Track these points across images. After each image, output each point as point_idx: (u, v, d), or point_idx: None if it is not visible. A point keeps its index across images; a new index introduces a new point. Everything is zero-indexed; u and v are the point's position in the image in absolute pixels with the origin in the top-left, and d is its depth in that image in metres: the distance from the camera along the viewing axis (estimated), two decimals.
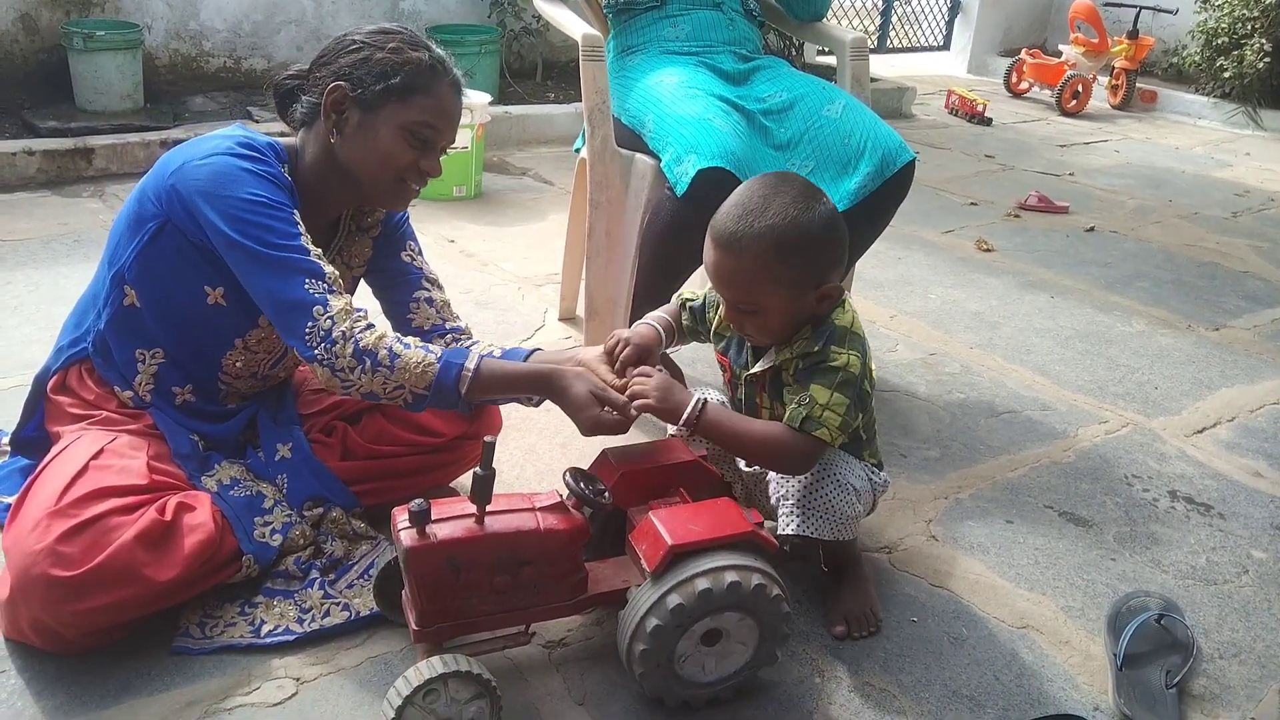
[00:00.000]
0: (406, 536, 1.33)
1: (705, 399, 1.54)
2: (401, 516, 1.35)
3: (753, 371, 1.62)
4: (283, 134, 1.65)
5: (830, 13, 3.28)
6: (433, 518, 1.34)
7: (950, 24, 7.73)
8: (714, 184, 1.95)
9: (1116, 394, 2.61)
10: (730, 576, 1.35)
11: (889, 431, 2.31)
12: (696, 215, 2.00)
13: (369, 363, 1.45)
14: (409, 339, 1.51)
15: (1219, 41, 6.40)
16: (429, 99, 1.54)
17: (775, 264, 1.46)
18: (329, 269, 1.49)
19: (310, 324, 1.44)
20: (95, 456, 1.45)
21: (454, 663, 1.29)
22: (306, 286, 1.45)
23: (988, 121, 5.89)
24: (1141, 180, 4.92)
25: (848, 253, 1.55)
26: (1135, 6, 6.51)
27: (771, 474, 1.63)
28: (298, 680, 1.45)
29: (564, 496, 1.45)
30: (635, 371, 1.56)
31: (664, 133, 2.11)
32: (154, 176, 1.52)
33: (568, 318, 2.77)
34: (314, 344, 1.44)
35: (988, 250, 3.68)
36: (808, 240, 1.46)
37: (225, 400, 1.68)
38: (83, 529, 1.34)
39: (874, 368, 1.63)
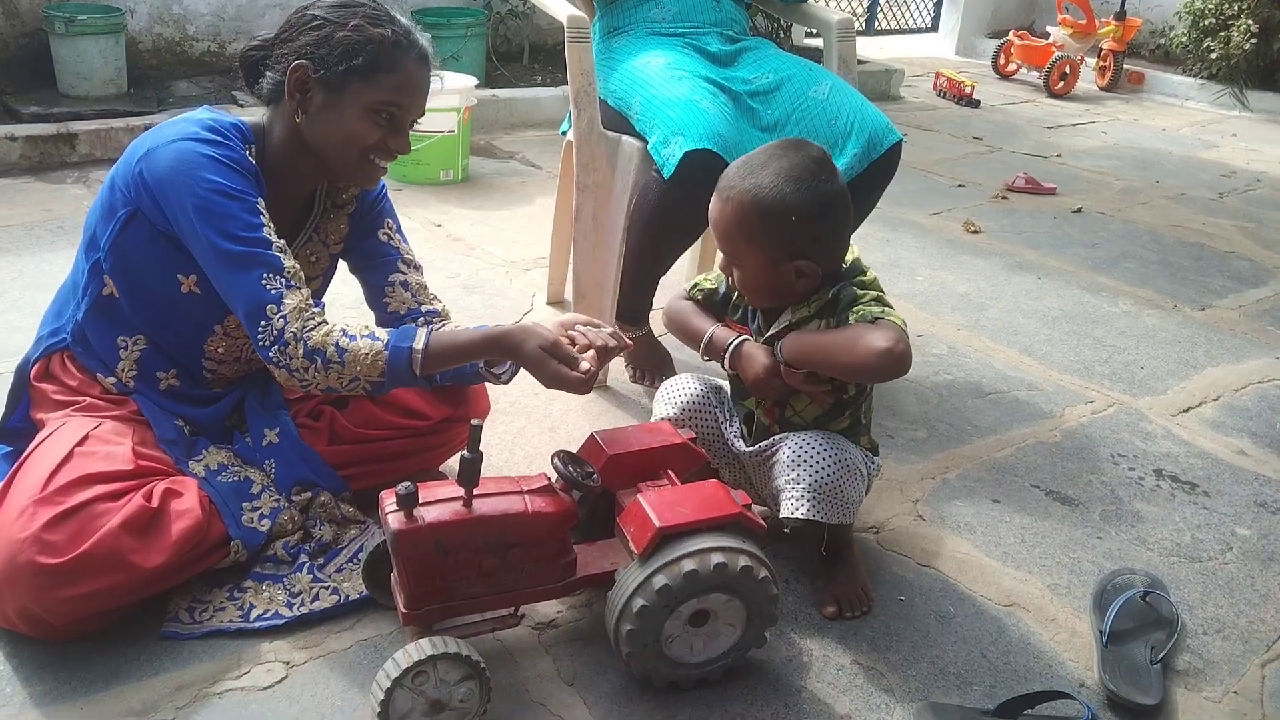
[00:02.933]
0: (394, 520, 1.33)
1: (743, 339, 1.63)
2: (389, 500, 1.35)
3: (770, 334, 1.62)
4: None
5: None
6: (420, 501, 1.34)
7: (938, 6, 7.72)
8: (701, 166, 1.94)
9: (1103, 374, 2.63)
10: (717, 558, 1.36)
11: (876, 413, 2.31)
12: (684, 197, 2.01)
13: (319, 361, 1.44)
14: (356, 328, 1.48)
15: (1206, 23, 6.40)
16: (394, 77, 1.50)
17: (751, 224, 1.51)
18: (289, 263, 1.47)
19: (264, 323, 1.43)
20: (80, 443, 1.44)
21: (443, 645, 1.29)
22: (264, 283, 1.43)
23: (975, 103, 5.89)
24: (1129, 161, 4.93)
25: (841, 240, 1.57)
26: None
27: (781, 456, 1.61)
28: (287, 664, 1.45)
29: (552, 479, 1.45)
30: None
31: (651, 115, 2.10)
32: (122, 164, 1.50)
33: (556, 301, 2.77)
34: (268, 345, 1.44)
35: (975, 232, 3.69)
36: (785, 211, 1.48)
37: (211, 385, 1.68)
38: (68, 516, 1.34)
39: None
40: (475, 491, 1.37)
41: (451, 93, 3.64)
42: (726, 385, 1.80)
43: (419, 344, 1.48)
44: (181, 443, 1.58)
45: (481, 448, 1.35)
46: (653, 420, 1.74)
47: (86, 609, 1.36)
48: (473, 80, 3.84)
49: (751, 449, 1.70)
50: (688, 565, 1.35)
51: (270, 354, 1.44)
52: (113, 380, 1.59)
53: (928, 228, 3.71)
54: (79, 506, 1.35)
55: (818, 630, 1.62)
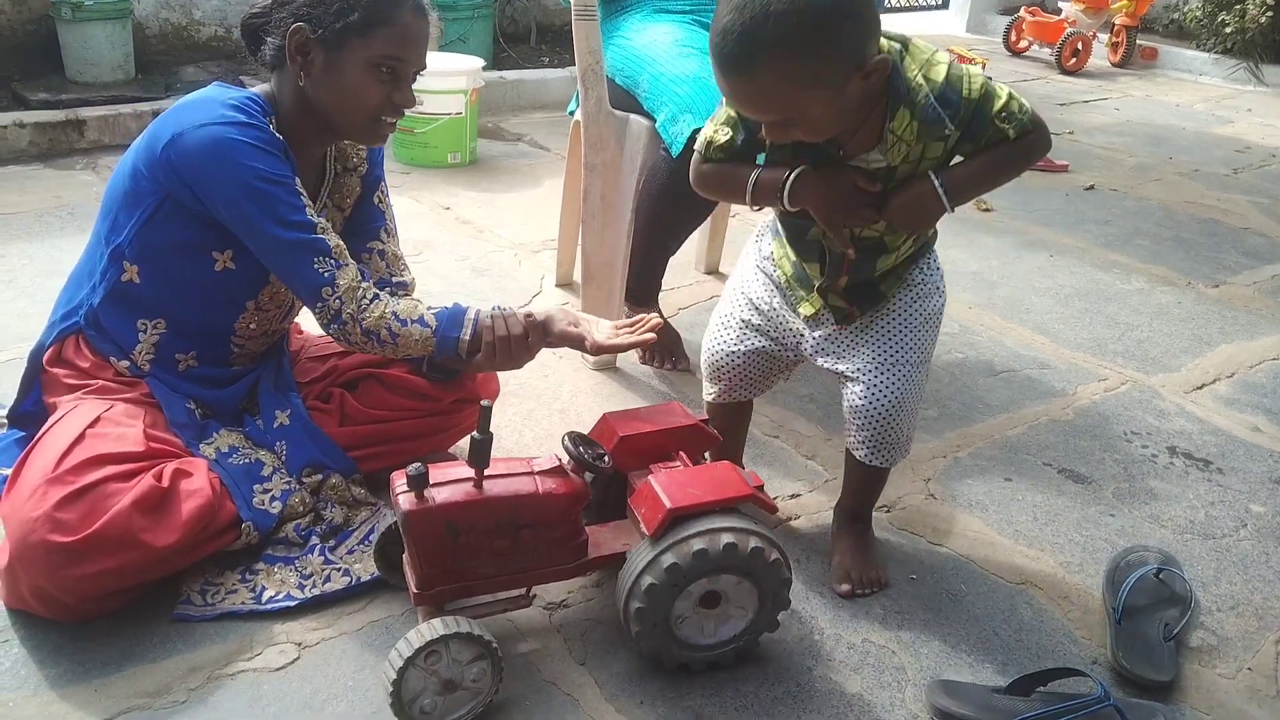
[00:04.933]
0: (405, 500, 1.33)
1: (935, 177, 1.41)
2: (400, 481, 1.35)
3: (872, 168, 1.42)
4: None
5: None
6: (431, 482, 1.34)
7: None
8: None
9: (1116, 351, 2.61)
10: (726, 538, 1.36)
11: None
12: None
13: (375, 341, 1.54)
14: (406, 310, 1.56)
15: None
16: (391, 29, 1.49)
17: (800, 68, 1.23)
18: (334, 241, 1.51)
19: (321, 305, 1.51)
20: (92, 425, 1.45)
21: (455, 624, 1.29)
22: (316, 266, 1.49)
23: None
24: (1141, 138, 4.88)
25: (875, 24, 1.31)
26: None
27: (851, 400, 1.58)
28: (300, 645, 1.46)
29: (563, 461, 1.45)
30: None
31: (658, 92, 2.09)
32: (144, 150, 1.50)
33: (565, 283, 2.76)
34: (328, 323, 1.53)
35: (986, 210, 3.66)
36: (825, 26, 1.22)
37: (234, 362, 1.69)
38: (80, 495, 1.35)
39: None
40: (486, 473, 1.37)
41: (459, 75, 3.62)
42: (760, 292, 1.66)
43: (465, 334, 1.58)
44: (193, 425, 1.59)
45: (491, 430, 1.35)
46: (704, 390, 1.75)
47: (99, 588, 1.37)
48: (480, 62, 3.82)
49: (827, 364, 1.61)
50: (697, 545, 1.34)
51: (331, 330, 1.54)
52: (126, 363, 1.59)
53: None
54: (90, 486, 1.36)
55: (829, 608, 1.62)
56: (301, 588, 1.52)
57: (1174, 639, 1.56)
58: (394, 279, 1.77)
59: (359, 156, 1.73)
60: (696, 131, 1.95)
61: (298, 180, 1.50)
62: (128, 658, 1.41)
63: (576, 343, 1.64)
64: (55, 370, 1.59)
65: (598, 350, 1.64)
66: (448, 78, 3.61)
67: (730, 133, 1.48)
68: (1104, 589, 1.68)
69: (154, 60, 4.30)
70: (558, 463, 1.44)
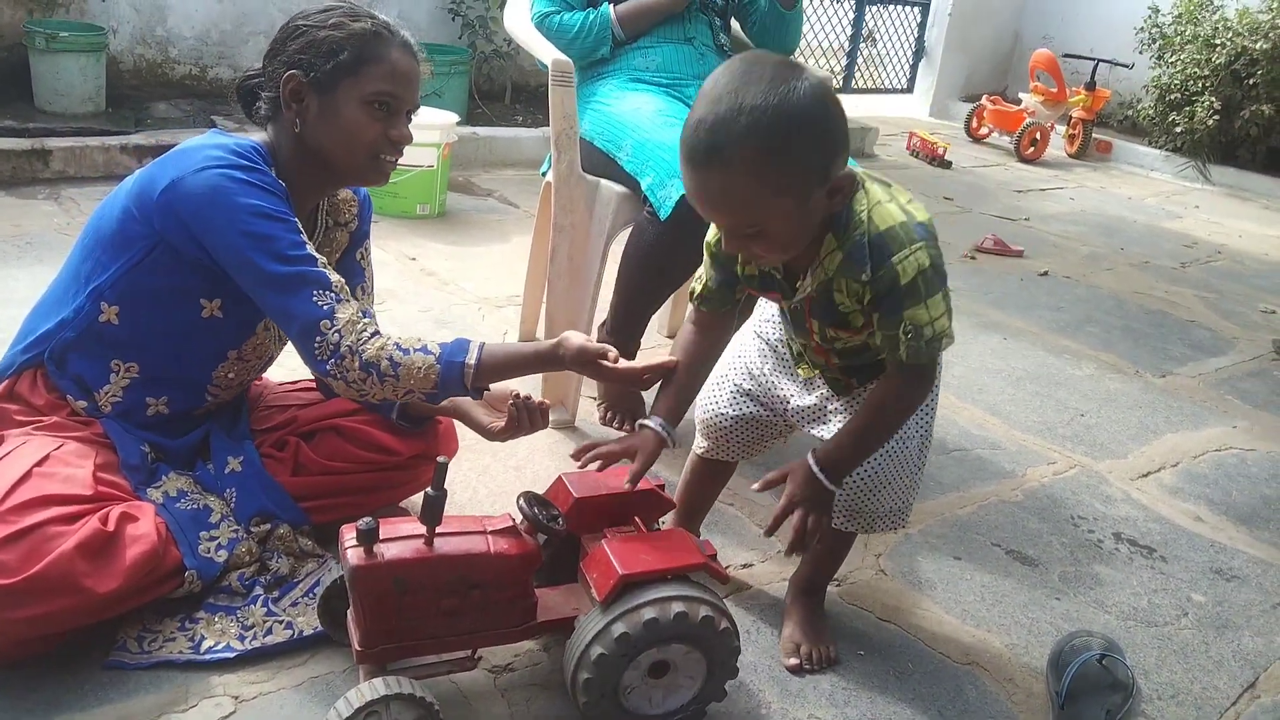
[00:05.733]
0: (353, 555, 1.31)
1: (812, 460, 1.43)
2: (349, 535, 1.33)
3: (798, 299, 1.46)
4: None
5: (799, 52, 3.33)
6: (381, 537, 1.32)
7: (914, 68, 7.89)
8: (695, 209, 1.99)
9: (1065, 435, 2.66)
10: (678, 607, 1.35)
11: None
12: (681, 237, 2.04)
13: (375, 374, 1.45)
14: (409, 341, 1.49)
15: (1172, 97, 6.59)
16: (382, 66, 1.51)
17: (768, 168, 1.22)
18: (335, 277, 1.48)
19: (319, 339, 1.44)
20: (40, 463, 1.42)
21: (397, 685, 1.27)
22: (315, 299, 1.45)
23: (948, 164, 6.01)
24: (1095, 228, 5.03)
25: (841, 137, 1.28)
26: (1093, 59, 6.69)
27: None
28: (236, 699, 1.42)
29: (517, 521, 1.44)
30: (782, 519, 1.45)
31: (644, 157, 2.13)
32: (138, 194, 1.49)
33: (528, 339, 2.76)
34: (324, 359, 1.45)
35: None
36: (799, 129, 1.21)
37: (206, 410, 1.68)
38: (21, 536, 1.31)
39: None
40: (437, 530, 1.35)
41: (432, 128, 3.66)
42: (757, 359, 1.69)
43: (471, 359, 1.48)
44: (144, 468, 1.56)
45: (446, 485, 1.34)
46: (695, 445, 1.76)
47: (33, 632, 1.33)
48: (454, 117, 3.86)
49: (815, 431, 1.62)
50: (649, 614, 1.34)
51: (327, 367, 1.45)
52: (84, 404, 1.56)
53: None
54: (33, 527, 1.32)
55: (777, 682, 1.61)
56: (242, 639, 1.49)
57: None
58: None
59: (350, 212, 1.74)
60: (685, 195, 1.99)
61: (298, 222, 1.50)
62: (56, 706, 1.36)
63: (594, 369, 1.52)
64: (6, 406, 1.56)
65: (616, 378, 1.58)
66: (421, 130, 3.61)
67: (709, 282, 1.56)
68: (1048, 673, 1.69)
69: (126, 94, 4.30)
70: (511, 523, 1.43)
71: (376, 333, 1.48)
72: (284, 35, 1.54)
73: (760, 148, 1.20)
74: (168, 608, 1.51)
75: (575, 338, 1.52)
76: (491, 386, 1.56)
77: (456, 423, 1.80)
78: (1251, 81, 6.15)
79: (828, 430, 1.59)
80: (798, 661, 1.64)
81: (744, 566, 1.90)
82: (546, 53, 2.24)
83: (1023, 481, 2.38)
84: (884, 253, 1.32)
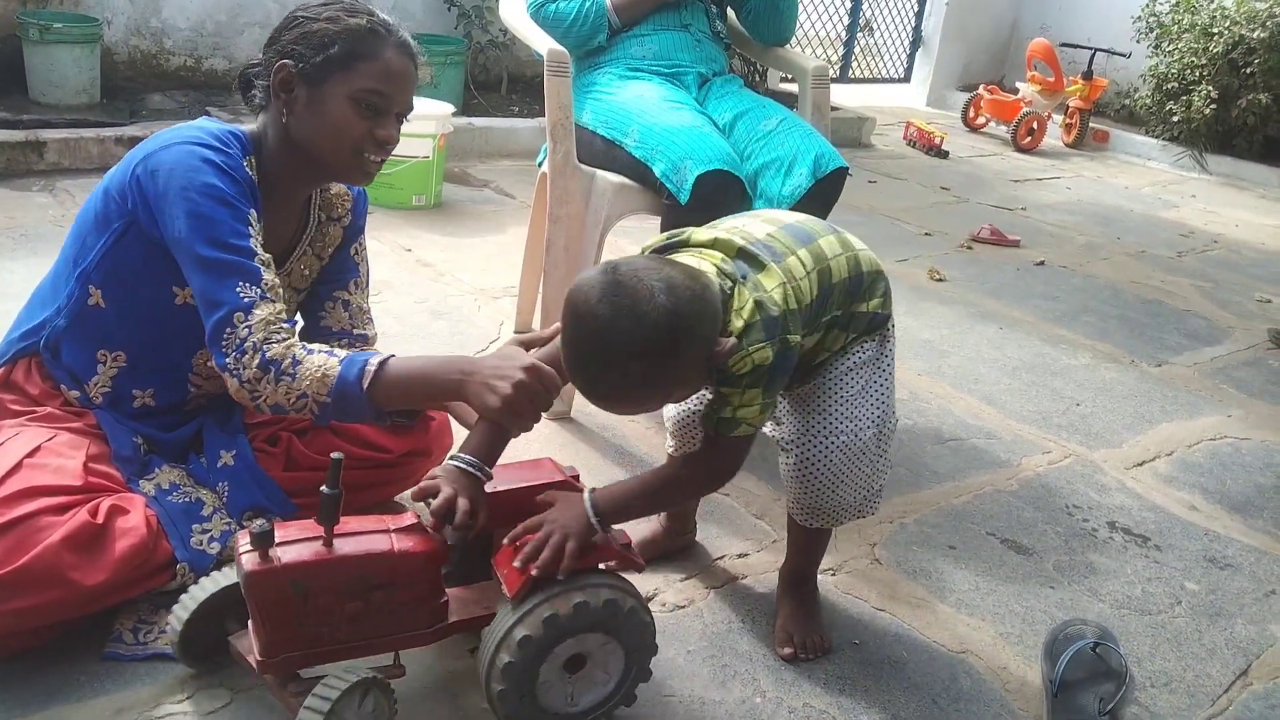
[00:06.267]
0: (248, 560, 1.25)
1: (589, 496, 1.39)
2: (243, 539, 1.27)
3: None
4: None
5: (794, 41, 3.33)
6: (277, 540, 1.27)
7: (911, 57, 7.87)
8: (715, 187, 2.02)
9: (1060, 425, 2.66)
10: (592, 596, 1.32)
11: None
12: (703, 219, 2.04)
13: (273, 372, 1.40)
14: (317, 345, 1.46)
15: (1169, 86, 6.58)
16: (373, 64, 1.49)
17: (652, 390, 1.31)
18: (269, 276, 1.45)
19: (229, 331, 1.41)
20: (31, 454, 1.42)
21: (365, 671, 1.27)
22: (239, 290, 1.41)
23: (944, 154, 6.00)
24: (1091, 217, 5.03)
25: (717, 313, 1.31)
26: (1090, 49, 6.68)
27: (785, 468, 1.60)
28: (232, 690, 1.42)
29: (421, 518, 1.38)
30: (524, 532, 1.37)
31: (653, 143, 2.13)
32: (118, 172, 1.49)
33: (524, 329, 2.76)
34: (228, 352, 1.41)
35: (940, 280, 3.74)
36: (670, 349, 1.25)
37: (192, 401, 1.66)
38: (10, 528, 1.31)
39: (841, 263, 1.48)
40: (337, 530, 1.29)
41: (428, 119, 3.65)
42: None
43: (374, 362, 1.43)
44: (136, 460, 1.55)
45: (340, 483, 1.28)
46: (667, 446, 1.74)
47: (21, 625, 1.33)
48: (450, 108, 3.85)
49: (766, 430, 1.63)
50: (562, 605, 1.30)
51: (226, 361, 1.41)
52: (77, 394, 1.56)
53: (894, 274, 3.73)
54: (22, 519, 1.32)
55: (772, 671, 1.62)
56: None
57: (1109, 714, 1.58)
58: (355, 330, 1.75)
59: (344, 207, 1.73)
60: (700, 176, 2.01)
61: (253, 214, 1.48)
62: (53, 696, 1.37)
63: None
64: (2, 395, 1.56)
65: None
66: (417, 121, 3.60)
67: None
68: (1042, 661, 1.70)
69: (120, 86, 4.28)
70: (416, 520, 1.37)
71: (288, 337, 1.44)
72: (282, 25, 1.53)
73: (639, 382, 1.27)
74: (163, 600, 1.50)
75: (490, 396, 1.37)
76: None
77: (452, 420, 1.80)
78: (1249, 70, 6.14)
79: (778, 430, 1.61)
80: (792, 650, 1.64)
81: (739, 556, 1.91)
82: (542, 43, 2.24)
83: (1018, 471, 2.39)
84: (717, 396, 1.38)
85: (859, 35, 7.51)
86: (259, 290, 1.43)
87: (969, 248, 4.22)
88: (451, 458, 1.41)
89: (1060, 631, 1.75)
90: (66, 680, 1.39)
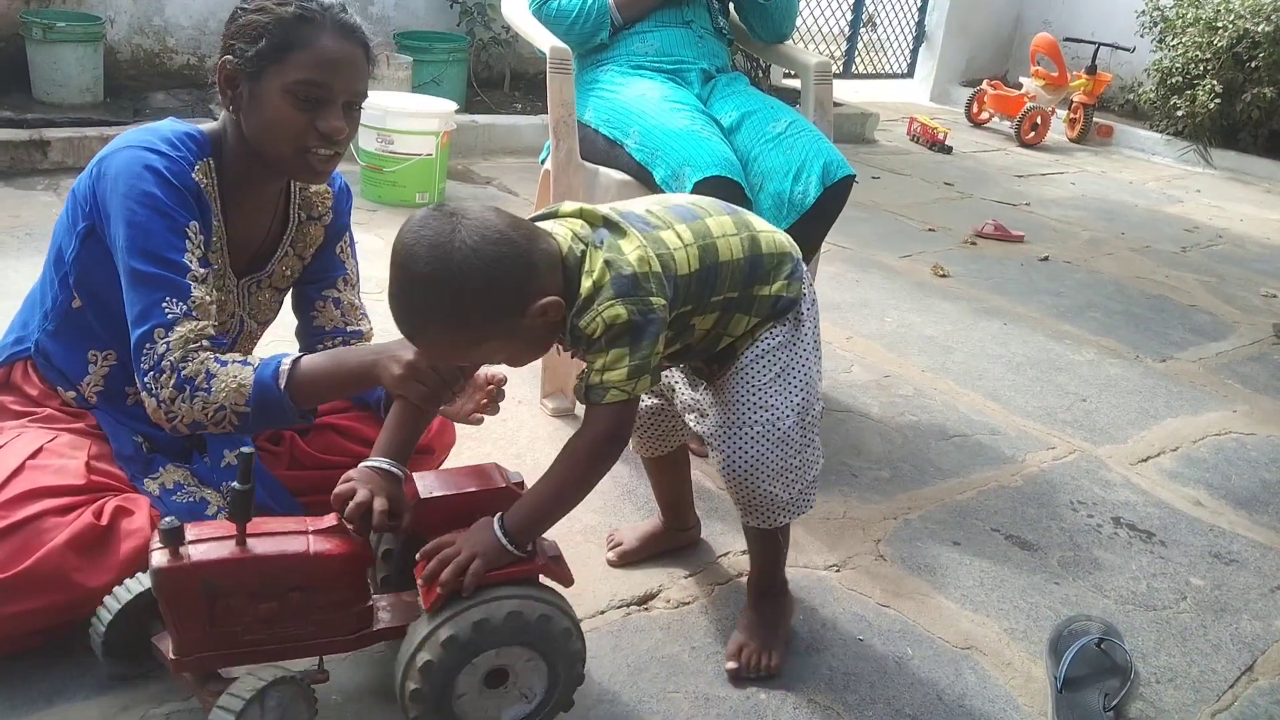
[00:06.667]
0: (157, 557, 1.21)
1: (499, 516, 1.33)
2: (154, 537, 1.24)
3: (576, 384, 1.43)
4: None
5: (797, 37, 3.33)
6: (189, 537, 1.24)
7: (915, 53, 7.86)
8: (714, 193, 1.99)
9: (1065, 421, 2.66)
10: (509, 607, 1.27)
11: (841, 451, 2.33)
12: None
13: (188, 390, 1.38)
14: (232, 356, 1.42)
15: (1173, 81, 6.57)
16: (306, 53, 1.41)
17: (455, 331, 1.26)
18: (199, 293, 1.42)
19: (148, 347, 1.38)
20: (33, 456, 1.41)
21: (281, 669, 1.25)
22: (164, 306, 1.38)
23: (948, 150, 5.99)
24: (1095, 212, 5.02)
25: (532, 264, 1.26)
26: (1094, 43, 6.66)
27: (715, 464, 1.54)
28: None
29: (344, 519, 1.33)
30: (426, 558, 1.31)
31: (653, 145, 2.12)
32: (84, 176, 1.48)
33: None
34: (146, 369, 1.39)
35: (944, 276, 3.74)
36: (465, 288, 1.21)
37: None
38: (14, 530, 1.31)
39: (683, 246, 1.39)
40: (253, 529, 1.25)
41: (430, 116, 3.65)
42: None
43: (287, 362, 1.41)
44: (139, 459, 1.55)
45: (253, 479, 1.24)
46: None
47: (24, 626, 1.33)
48: (452, 105, 3.85)
49: (694, 424, 1.58)
50: (476, 615, 1.25)
51: (145, 379, 1.39)
52: (73, 394, 1.56)
53: (898, 270, 3.75)
54: (25, 521, 1.32)
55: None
56: None
57: (1114, 709, 1.58)
58: (349, 327, 1.73)
59: (324, 205, 1.70)
60: (698, 183, 2.00)
61: (194, 225, 1.44)
62: (58, 694, 1.37)
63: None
64: (1, 397, 1.56)
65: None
66: (419, 119, 3.64)
67: None
68: (1046, 657, 1.70)
69: (124, 85, 4.29)
70: (339, 521, 1.32)
71: (211, 353, 1.41)
72: (228, 19, 1.47)
73: (436, 321, 1.25)
74: None
75: (395, 368, 1.38)
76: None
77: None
78: (1253, 64, 6.13)
79: (702, 426, 1.55)
80: (736, 666, 1.58)
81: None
82: (544, 40, 2.24)
83: (1022, 467, 2.39)
84: (580, 313, 1.30)
85: (862, 31, 7.51)
86: (185, 307, 1.40)
87: (973, 243, 4.21)
88: (366, 461, 1.38)
89: (1065, 627, 1.75)
90: (71, 679, 1.39)
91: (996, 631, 1.78)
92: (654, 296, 1.31)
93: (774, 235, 1.51)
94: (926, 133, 6.08)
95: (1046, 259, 4.11)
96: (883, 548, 1.99)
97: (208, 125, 1.54)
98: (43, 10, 4.03)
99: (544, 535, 1.38)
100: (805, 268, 1.53)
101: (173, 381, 1.38)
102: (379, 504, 1.31)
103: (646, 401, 1.67)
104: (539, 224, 1.34)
